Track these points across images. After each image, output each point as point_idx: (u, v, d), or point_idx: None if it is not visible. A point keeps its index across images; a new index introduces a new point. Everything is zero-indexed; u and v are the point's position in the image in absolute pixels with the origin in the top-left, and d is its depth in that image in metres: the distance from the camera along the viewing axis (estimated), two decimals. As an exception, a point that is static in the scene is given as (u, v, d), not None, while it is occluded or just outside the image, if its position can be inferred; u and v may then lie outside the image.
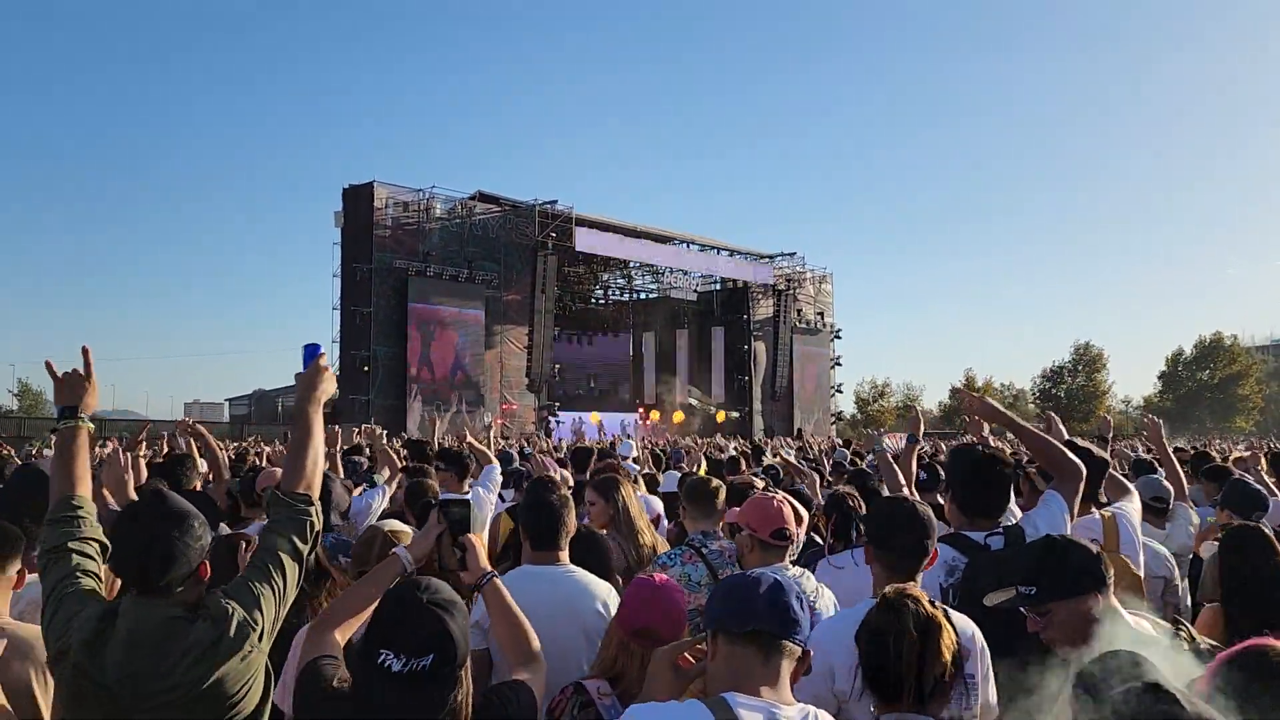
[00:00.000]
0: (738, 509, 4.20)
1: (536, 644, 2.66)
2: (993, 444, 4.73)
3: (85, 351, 2.86)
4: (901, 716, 2.33)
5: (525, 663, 2.60)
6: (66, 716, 2.42)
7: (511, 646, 2.68)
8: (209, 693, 2.32)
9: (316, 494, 2.70)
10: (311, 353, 3.16)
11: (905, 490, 4.79)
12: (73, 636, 2.33)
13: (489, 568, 2.84)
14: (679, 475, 7.84)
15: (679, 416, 41.24)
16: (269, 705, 2.55)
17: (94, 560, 2.54)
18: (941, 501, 4.74)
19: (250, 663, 2.39)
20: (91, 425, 2.85)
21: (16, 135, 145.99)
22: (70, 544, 2.53)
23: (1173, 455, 6.20)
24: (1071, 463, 3.63)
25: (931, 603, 2.43)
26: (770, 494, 4.12)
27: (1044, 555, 2.77)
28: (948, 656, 2.32)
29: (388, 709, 2.05)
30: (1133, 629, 2.69)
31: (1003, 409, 3.99)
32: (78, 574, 2.48)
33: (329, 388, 2.92)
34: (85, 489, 2.71)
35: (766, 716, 1.96)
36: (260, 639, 2.41)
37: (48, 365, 2.86)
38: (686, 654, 2.28)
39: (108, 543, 2.56)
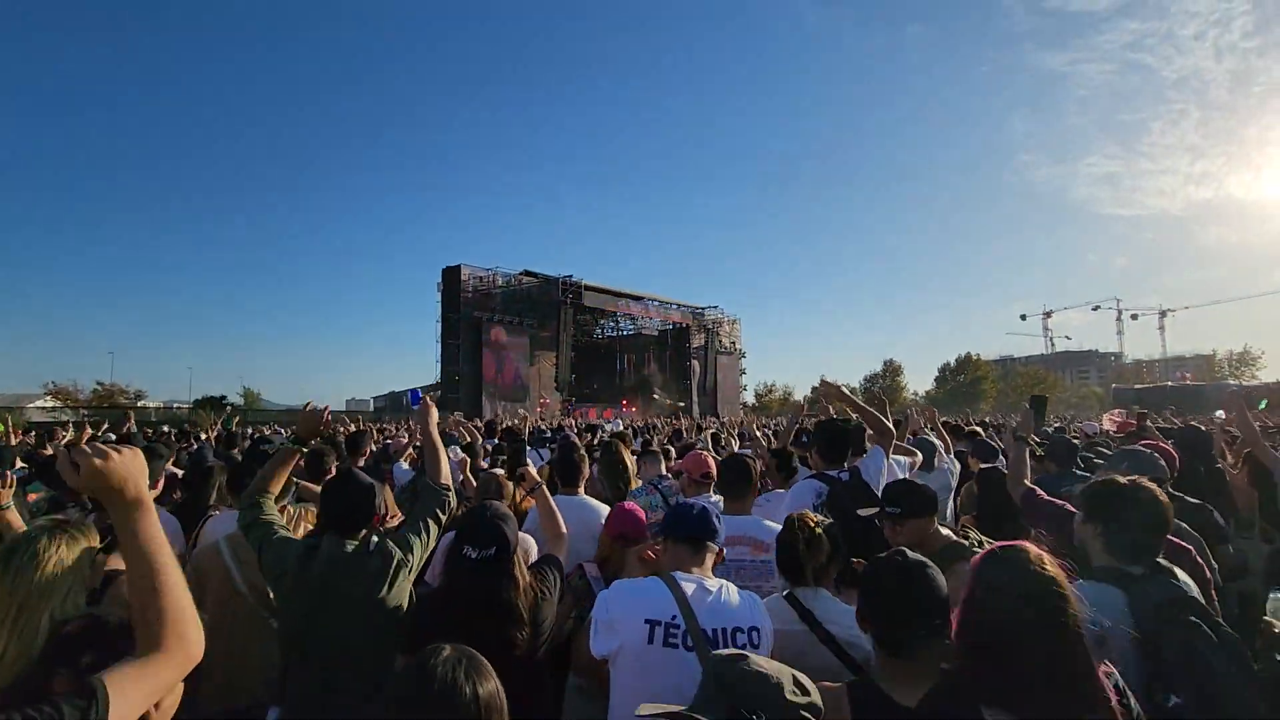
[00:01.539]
0: (681, 460, 4.11)
1: (564, 529, 2.58)
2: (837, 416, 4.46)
3: (326, 410, 2.67)
4: (805, 589, 2.14)
5: (557, 539, 2.53)
6: (285, 614, 2.27)
7: (550, 529, 2.58)
8: (374, 603, 2.17)
9: (449, 482, 2.50)
10: (415, 396, 3.05)
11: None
12: (289, 562, 2.21)
13: (539, 480, 2.87)
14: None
15: (651, 415, 39.77)
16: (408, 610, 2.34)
17: (281, 526, 2.35)
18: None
19: (401, 587, 2.23)
20: (305, 452, 2.65)
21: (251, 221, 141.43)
22: (260, 517, 2.33)
23: (941, 429, 5.80)
24: (889, 430, 3.46)
25: (816, 521, 2.26)
26: (700, 451, 4.05)
27: (907, 489, 2.64)
28: (823, 555, 2.17)
29: (471, 580, 1.99)
30: (946, 533, 2.61)
31: (846, 394, 3.74)
32: (276, 529, 2.32)
33: (435, 414, 2.71)
34: (275, 491, 2.45)
35: (697, 585, 1.84)
36: (410, 572, 2.26)
37: (320, 411, 2.63)
38: (648, 551, 2.18)
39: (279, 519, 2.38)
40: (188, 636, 1.13)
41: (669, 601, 1.78)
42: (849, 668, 1.92)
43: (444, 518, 2.42)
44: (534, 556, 2.51)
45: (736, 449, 5.93)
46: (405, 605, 2.23)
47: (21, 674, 1.33)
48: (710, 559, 1.97)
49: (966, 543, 2.52)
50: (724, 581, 1.91)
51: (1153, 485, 2.00)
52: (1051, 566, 1.43)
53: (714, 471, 3.59)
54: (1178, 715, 1.56)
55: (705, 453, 3.86)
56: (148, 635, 1.11)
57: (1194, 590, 1.92)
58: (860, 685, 1.50)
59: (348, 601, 2.14)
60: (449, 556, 2.07)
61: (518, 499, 3.48)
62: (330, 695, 2.11)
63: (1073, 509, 2.45)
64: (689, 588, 1.81)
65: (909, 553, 1.52)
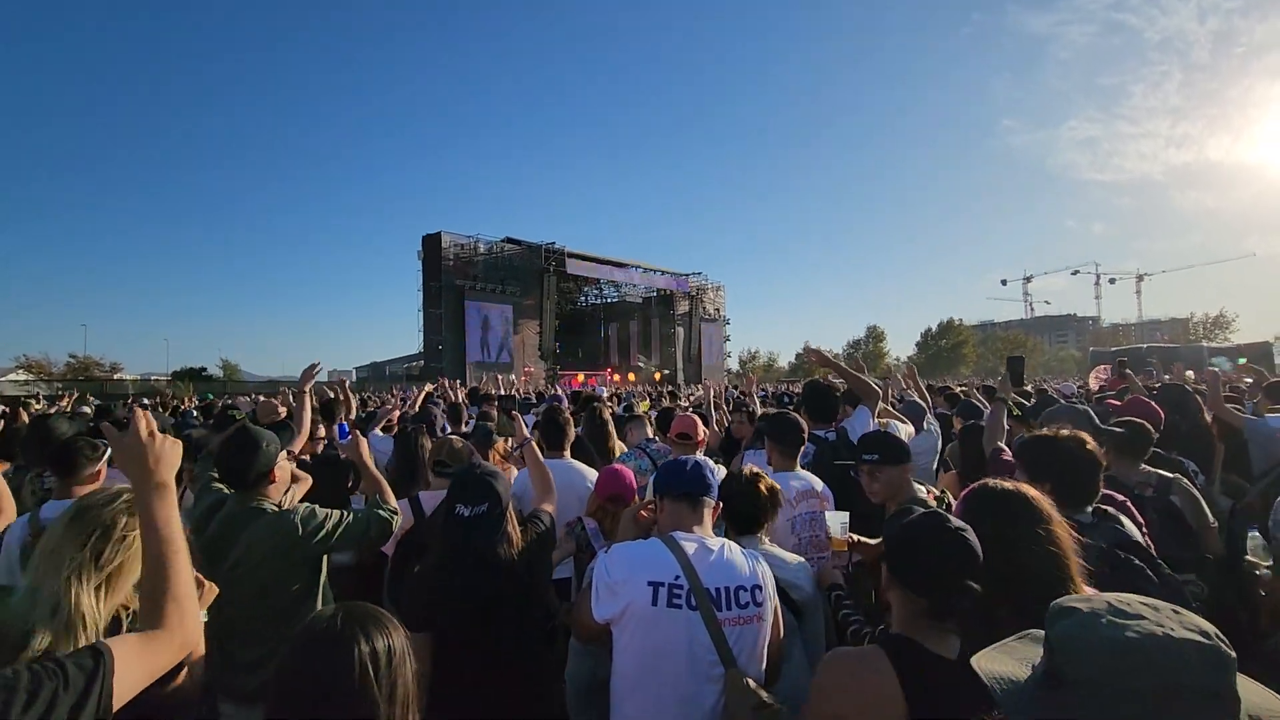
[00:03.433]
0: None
1: (553, 485, 2.60)
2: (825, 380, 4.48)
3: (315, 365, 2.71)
4: (750, 538, 2.23)
5: (546, 494, 2.55)
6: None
7: (539, 485, 2.61)
8: (266, 562, 2.15)
9: (395, 506, 2.48)
10: (343, 431, 3.11)
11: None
12: (196, 515, 2.25)
13: (528, 436, 2.89)
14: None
15: (632, 375, 40.51)
16: (317, 592, 2.31)
17: (218, 488, 2.36)
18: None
19: (293, 552, 2.17)
20: (251, 426, 2.55)
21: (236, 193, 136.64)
22: (207, 473, 2.42)
23: (922, 388, 5.84)
24: (874, 390, 3.55)
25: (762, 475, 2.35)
26: (684, 413, 4.02)
27: (882, 438, 2.73)
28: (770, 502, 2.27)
29: (466, 537, 2.00)
30: (915, 487, 2.66)
31: (830, 359, 3.82)
32: (210, 482, 2.38)
33: (365, 445, 2.65)
34: None
35: (698, 544, 1.82)
36: (309, 541, 2.18)
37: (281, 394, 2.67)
38: (643, 511, 2.15)
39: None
40: (188, 621, 1.19)
41: (671, 562, 1.76)
42: (789, 609, 2.09)
43: (374, 528, 2.36)
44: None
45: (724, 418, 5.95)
46: (303, 575, 2.22)
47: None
48: (709, 515, 1.95)
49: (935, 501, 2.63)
50: (725, 540, 1.90)
51: (1078, 433, 2.08)
52: (1030, 489, 1.56)
53: (694, 432, 3.62)
54: None
55: (689, 415, 3.87)
56: (152, 611, 1.16)
57: (1139, 538, 2.01)
58: (896, 641, 1.45)
59: (235, 566, 2.12)
60: (444, 517, 2.09)
61: (494, 460, 3.48)
62: (225, 658, 2.12)
63: None
64: (690, 547, 1.80)
65: (950, 517, 1.47)
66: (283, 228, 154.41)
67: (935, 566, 1.41)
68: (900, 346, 71.10)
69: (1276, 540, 1.82)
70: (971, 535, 1.43)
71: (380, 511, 2.40)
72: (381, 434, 4.95)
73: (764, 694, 1.66)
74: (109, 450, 2.77)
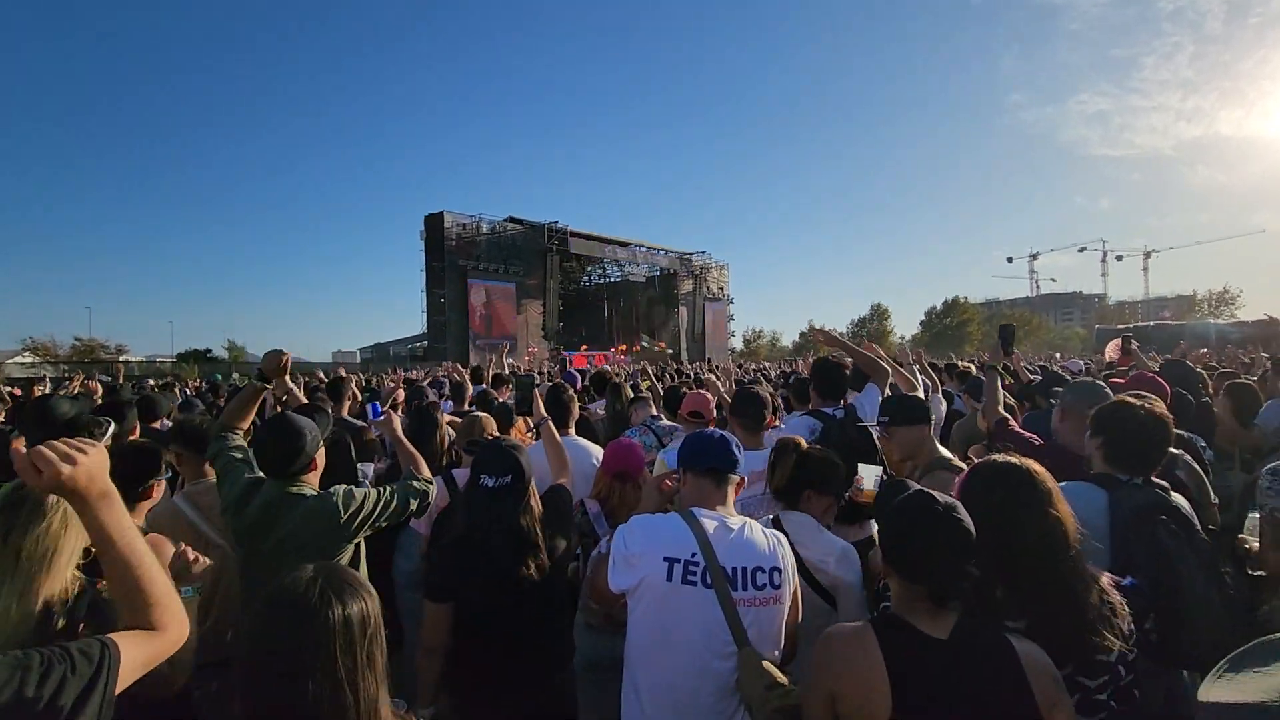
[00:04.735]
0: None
1: (569, 461, 2.66)
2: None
3: (286, 355, 2.59)
4: (793, 514, 2.25)
5: (562, 470, 2.59)
6: (236, 548, 2.26)
7: (555, 461, 2.64)
8: (310, 544, 2.14)
9: (429, 477, 2.51)
10: (376, 410, 3.13)
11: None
12: (231, 495, 2.21)
13: (545, 415, 2.92)
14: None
15: (637, 347, 40.34)
16: (360, 566, 2.32)
17: (240, 458, 2.32)
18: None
19: (336, 533, 2.18)
20: (270, 388, 2.60)
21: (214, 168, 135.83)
22: (225, 448, 2.33)
23: (927, 366, 5.65)
24: (883, 368, 3.55)
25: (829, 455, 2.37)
26: (699, 392, 3.98)
27: (897, 399, 2.82)
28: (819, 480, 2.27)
29: (489, 506, 2.04)
30: (939, 448, 2.73)
31: (836, 338, 3.88)
32: (234, 459, 2.30)
33: (398, 422, 2.75)
34: (241, 425, 2.45)
35: (719, 522, 1.80)
36: (350, 523, 2.19)
37: (283, 354, 2.58)
38: (667, 481, 2.12)
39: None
40: (174, 620, 1.19)
41: (689, 538, 1.75)
42: (814, 589, 2.05)
43: (414, 502, 2.38)
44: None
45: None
46: (346, 558, 2.22)
47: (29, 637, 1.28)
48: (732, 492, 1.92)
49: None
50: (747, 519, 1.87)
51: (1158, 406, 2.11)
52: (1034, 465, 1.55)
53: (706, 410, 3.62)
54: (1131, 593, 1.59)
55: (703, 393, 3.85)
56: (138, 620, 1.16)
57: (1185, 509, 2.00)
58: (887, 621, 1.45)
59: (276, 549, 2.13)
60: (468, 488, 2.12)
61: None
62: None
63: (1040, 441, 2.68)
64: (709, 525, 1.78)
65: (937, 495, 1.43)
66: (286, 209, 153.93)
67: (930, 554, 1.38)
68: (905, 325, 70.86)
69: (1264, 510, 1.85)
70: (963, 514, 1.40)
71: (415, 484, 2.42)
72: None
73: (777, 673, 1.65)
74: (111, 428, 2.83)
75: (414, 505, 2.39)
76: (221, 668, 2.41)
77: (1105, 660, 1.45)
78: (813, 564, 2.07)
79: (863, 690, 1.34)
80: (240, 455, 2.32)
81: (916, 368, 5.71)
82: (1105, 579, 1.54)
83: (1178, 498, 2.05)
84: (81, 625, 1.38)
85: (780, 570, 1.78)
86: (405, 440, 2.66)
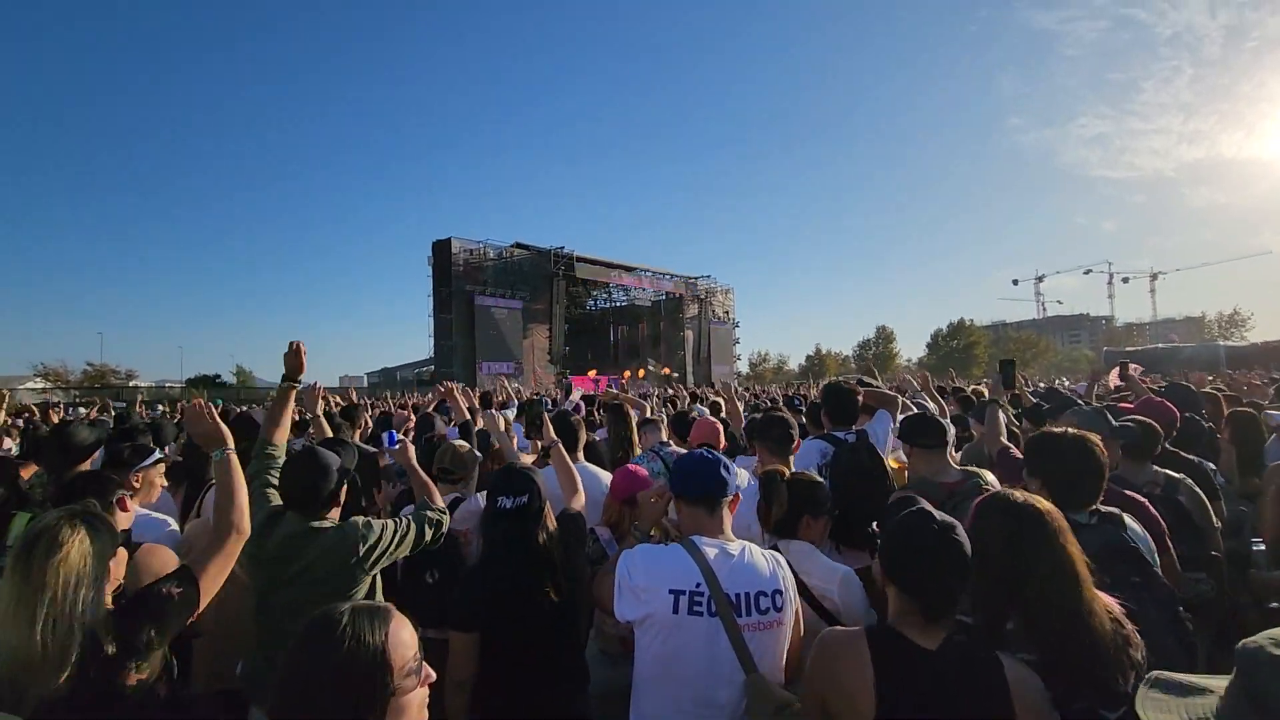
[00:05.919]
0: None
1: (580, 484, 2.66)
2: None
3: (301, 345, 2.60)
4: (788, 541, 2.22)
5: (573, 494, 2.60)
6: (251, 579, 2.25)
7: (567, 485, 2.65)
8: (328, 578, 2.16)
9: (443, 506, 2.58)
10: (391, 439, 3.15)
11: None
12: (253, 526, 2.15)
13: (555, 438, 2.92)
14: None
15: (641, 373, 40.27)
16: (377, 596, 2.32)
17: (271, 482, 2.35)
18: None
19: (354, 568, 2.19)
20: (300, 387, 2.61)
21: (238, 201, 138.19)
22: (265, 472, 2.35)
23: (932, 389, 5.44)
24: (893, 397, 3.56)
25: (813, 477, 2.35)
26: (710, 420, 3.92)
27: (914, 421, 2.88)
28: (824, 507, 2.26)
29: (507, 528, 2.07)
30: (958, 468, 2.76)
31: (871, 379, 3.84)
32: (266, 486, 2.31)
33: (412, 451, 2.81)
34: (282, 437, 2.47)
35: (719, 550, 1.81)
36: (366, 557, 2.20)
37: (295, 344, 2.59)
38: (655, 496, 2.16)
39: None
40: (246, 520, 1.85)
41: (692, 569, 1.76)
42: (821, 616, 2.04)
43: (430, 532, 2.40)
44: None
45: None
46: (364, 590, 2.23)
47: (75, 665, 1.33)
48: (728, 516, 1.93)
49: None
50: (746, 543, 1.89)
51: (1084, 434, 2.06)
52: (1044, 503, 1.57)
53: (717, 441, 3.57)
54: None
55: (714, 422, 3.80)
56: (225, 521, 1.81)
57: (1140, 540, 1.99)
58: (880, 630, 1.51)
59: (296, 579, 2.14)
60: (486, 510, 2.15)
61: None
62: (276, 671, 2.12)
63: None
64: (710, 553, 1.79)
65: (935, 513, 1.49)
66: (294, 234, 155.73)
67: (926, 571, 1.43)
68: (911, 347, 70.59)
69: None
70: (961, 535, 1.45)
71: (430, 513, 2.45)
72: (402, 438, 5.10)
73: (785, 695, 1.67)
74: (158, 454, 2.94)
75: (429, 535, 2.40)
76: (229, 697, 2.42)
77: (1122, 691, 1.45)
78: (818, 591, 2.08)
79: (850, 690, 1.41)
80: (272, 484, 2.33)
81: (924, 394, 5.77)
82: (1117, 608, 1.54)
83: (1134, 529, 2.01)
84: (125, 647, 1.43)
85: (781, 592, 1.80)
86: (419, 470, 2.69)
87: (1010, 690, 1.36)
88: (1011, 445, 3.00)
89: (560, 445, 2.82)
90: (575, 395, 7.10)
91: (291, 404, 2.54)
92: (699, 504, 1.92)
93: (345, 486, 2.38)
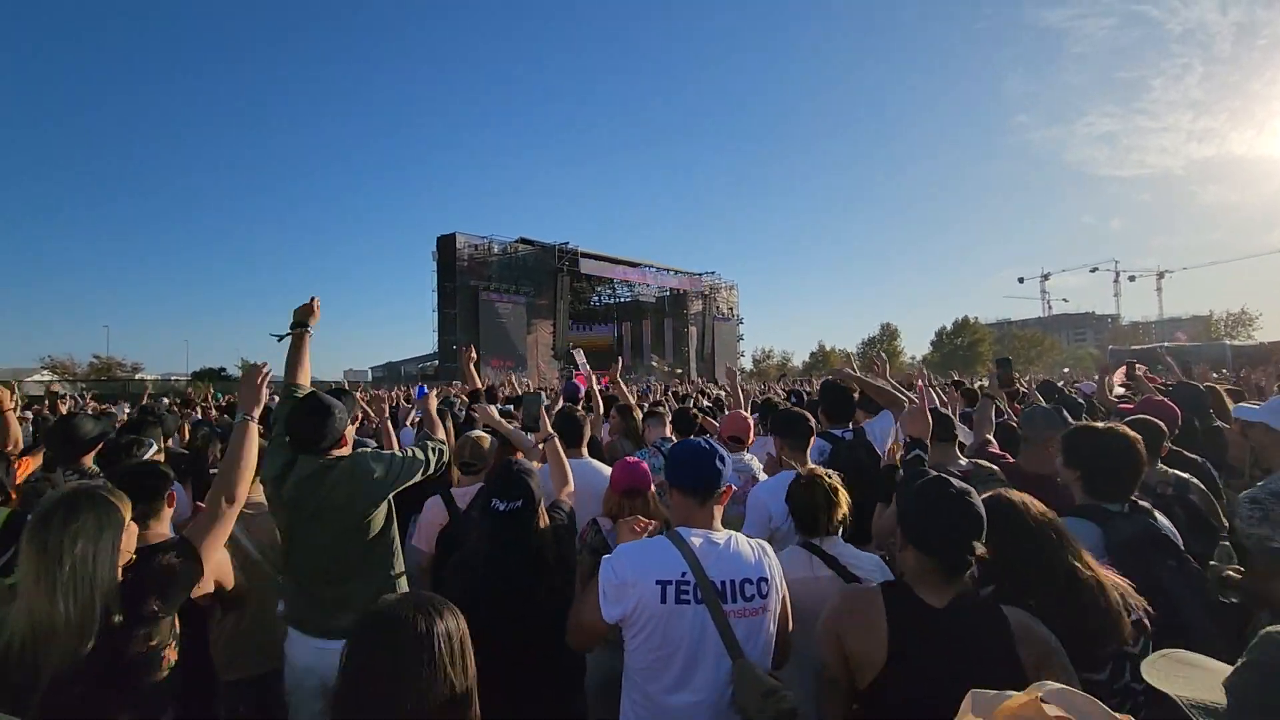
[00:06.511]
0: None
1: (571, 479, 2.71)
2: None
3: (315, 299, 2.68)
4: (821, 539, 2.25)
5: (564, 485, 2.65)
6: (278, 522, 2.43)
7: (558, 477, 2.69)
8: (346, 505, 2.30)
9: (445, 441, 2.81)
10: (421, 391, 3.48)
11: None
12: (270, 472, 2.34)
13: (552, 432, 2.91)
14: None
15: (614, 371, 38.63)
16: (393, 528, 2.46)
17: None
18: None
19: (372, 492, 2.33)
20: (312, 334, 2.67)
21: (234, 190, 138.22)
22: (287, 414, 2.44)
23: (934, 387, 5.61)
24: (899, 399, 3.44)
25: (829, 475, 2.31)
26: (739, 413, 3.84)
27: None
28: (844, 509, 2.25)
29: (502, 531, 2.08)
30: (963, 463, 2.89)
31: (856, 375, 3.71)
32: (283, 440, 2.42)
33: (434, 403, 3.18)
34: (305, 378, 2.61)
35: (704, 539, 1.83)
36: (382, 480, 2.35)
37: (313, 299, 2.66)
38: (637, 526, 2.11)
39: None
40: (244, 489, 1.94)
41: (677, 559, 1.78)
42: None
43: (433, 459, 2.58)
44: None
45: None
46: (384, 520, 2.40)
47: (97, 631, 1.39)
48: (719, 509, 1.93)
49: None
50: (733, 532, 1.91)
51: (1126, 430, 2.13)
52: (1034, 504, 1.72)
53: (747, 435, 3.58)
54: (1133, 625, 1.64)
55: (746, 414, 3.79)
56: (224, 484, 1.91)
57: (1170, 532, 2.05)
58: (894, 587, 1.66)
59: (316, 513, 2.28)
60: (481, 512, 2.16)
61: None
62: (310, 603, 2.28)
63: (1011, 459, 2.90)
64: (695, 541, 1.81)
65: (954, 480, 1.62)
66: (299, 229, 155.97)
67: (945, 530, 1.56)
68: (916, 345, 70.37)
69: (1252, 539, 1.84)
70: (975, 498, 1.58)
71: (430, 443, 2.64)
72: (411, 428, 5.22)
73: (771, 681, 1.71)
74: (154, 447, 3.07)
75: (433, 461, 2.59)
76: (255, 685, 2.52)
77: (1103, 655, 1.60)
78: (863, 576, 2.19)
79: (864, 638, 1.57)
80: (284, 424, 2.45)
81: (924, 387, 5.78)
82: (1115, 577, 1.65)
83: (1163, 521, 2.09)
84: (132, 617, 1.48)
85: (767, 580, 1.83)
86: (435, 414, 3.05)
87: (1014, 636, 1.48)
88: (992, 439, 3.23)
89: (556, 439, 2.83)
90: (593, 381, 6.89)
91: (306, 350, 2.64)
92: (691, 494, 1.92)
93: (351, 427, 2.52)
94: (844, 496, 2.24)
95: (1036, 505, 1.70)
